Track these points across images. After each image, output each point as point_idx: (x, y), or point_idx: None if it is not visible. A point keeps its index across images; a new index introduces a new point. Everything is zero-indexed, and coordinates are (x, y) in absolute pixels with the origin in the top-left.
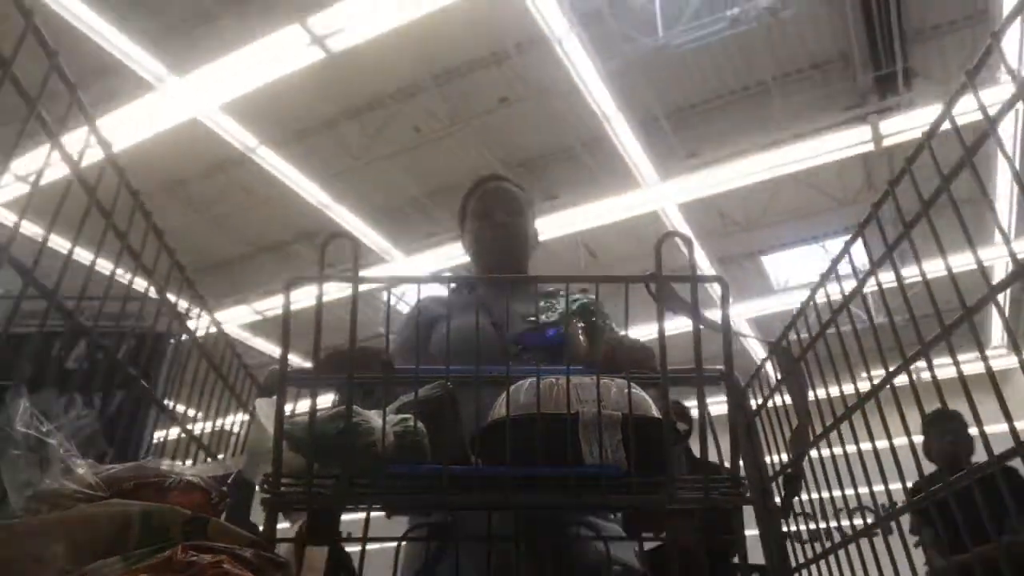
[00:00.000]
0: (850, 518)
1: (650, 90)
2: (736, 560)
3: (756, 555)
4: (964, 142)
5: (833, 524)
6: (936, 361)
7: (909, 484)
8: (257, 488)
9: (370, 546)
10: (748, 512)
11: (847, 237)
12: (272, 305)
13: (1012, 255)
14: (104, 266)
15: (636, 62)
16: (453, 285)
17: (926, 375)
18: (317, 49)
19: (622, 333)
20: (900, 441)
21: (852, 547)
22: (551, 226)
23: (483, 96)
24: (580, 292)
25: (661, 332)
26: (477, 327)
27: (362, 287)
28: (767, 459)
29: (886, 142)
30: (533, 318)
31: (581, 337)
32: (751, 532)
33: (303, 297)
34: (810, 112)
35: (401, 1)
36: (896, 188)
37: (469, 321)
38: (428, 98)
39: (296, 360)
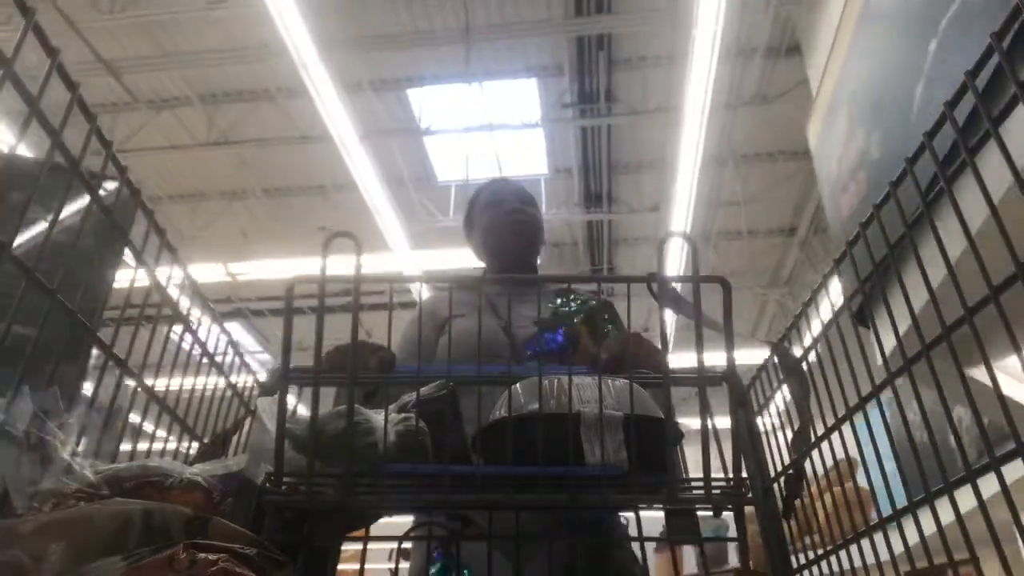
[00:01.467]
0: (851, 519)
1: (440, 247)
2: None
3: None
4: (965, 143)
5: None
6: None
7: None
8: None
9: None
10: None
11: None
12: None
13: (1012, 255)
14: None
15: (432, 228)
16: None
17: None
18: None
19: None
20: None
21: (853, 548)
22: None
23: (310, 219)
24: (591, 293)
25: (663, 332)
26: (479, 328)
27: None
28: (768, 459)
29: None
30: (543, 320)
31: (588, 341)
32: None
33: None
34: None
35: None
36: (897, 188)
37: (476, 322)
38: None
39: None
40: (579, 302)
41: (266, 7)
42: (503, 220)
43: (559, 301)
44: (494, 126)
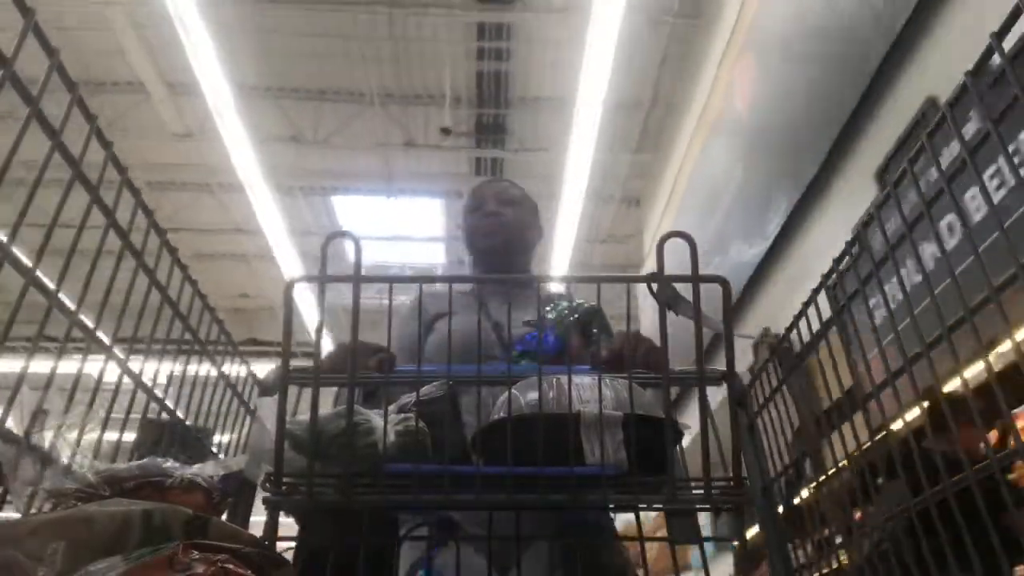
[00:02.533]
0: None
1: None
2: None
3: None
4: (964, 141)
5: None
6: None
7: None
8: (258, 488)
9: None
10: None
11: None
12: None
13: (1014, 256)
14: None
15: (342, 304)
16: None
17: None
18: None
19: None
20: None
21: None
22: None
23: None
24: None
25: (663, 332)
26: (479, 328)
27: None
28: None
29: None
30: (532, 321)
31: (578, 342)
32: None
33: None
34: None
35: None
36: (897, 189)
37: (467, 321)
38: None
39: None
40: (569, 307)
41: (223, 142)
42: (476, 224)
43: (548, 308)
44: (401, 237)
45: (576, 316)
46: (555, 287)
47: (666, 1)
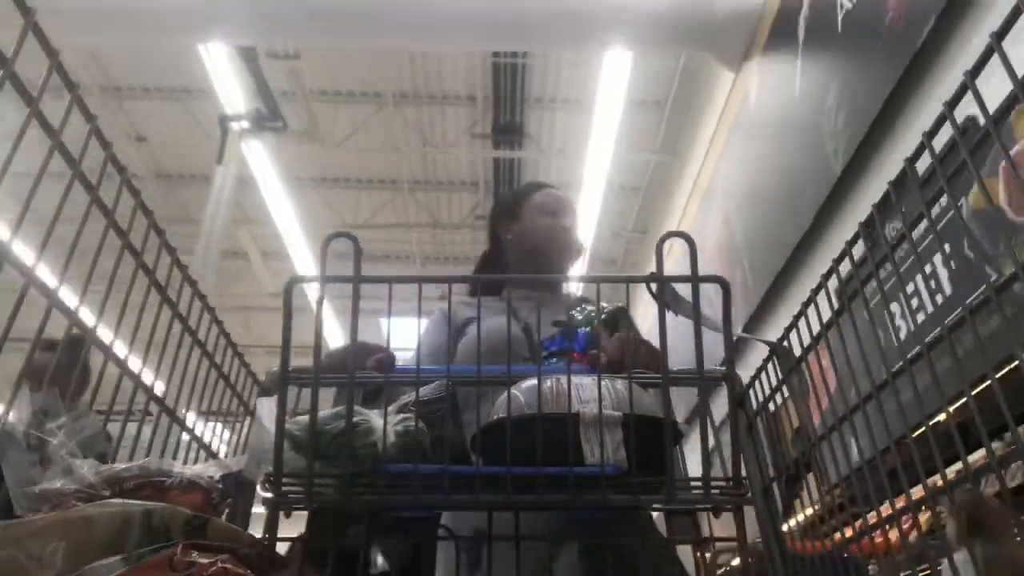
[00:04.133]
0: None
1: None
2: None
3: None
4: (964, 142)
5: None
6: None
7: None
8: (258, 488)
9: None
10: None
11: None
12: None
13: (1015, 258)
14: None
15: None
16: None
17: None
18: None
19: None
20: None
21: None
22: None
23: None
24: (609, 303)
25: (662, 332)
26: (509, 330)
27: None
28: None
29: None
30: (560, 322)
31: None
32: None
33: None
34: None
35: None
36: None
37: (499, 324)
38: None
39: None
40: (596, 308)
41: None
42: (554, 235)
43: (577, 309)
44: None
45: (603, 317)
46: (576, 288)
47: (625, 219)
